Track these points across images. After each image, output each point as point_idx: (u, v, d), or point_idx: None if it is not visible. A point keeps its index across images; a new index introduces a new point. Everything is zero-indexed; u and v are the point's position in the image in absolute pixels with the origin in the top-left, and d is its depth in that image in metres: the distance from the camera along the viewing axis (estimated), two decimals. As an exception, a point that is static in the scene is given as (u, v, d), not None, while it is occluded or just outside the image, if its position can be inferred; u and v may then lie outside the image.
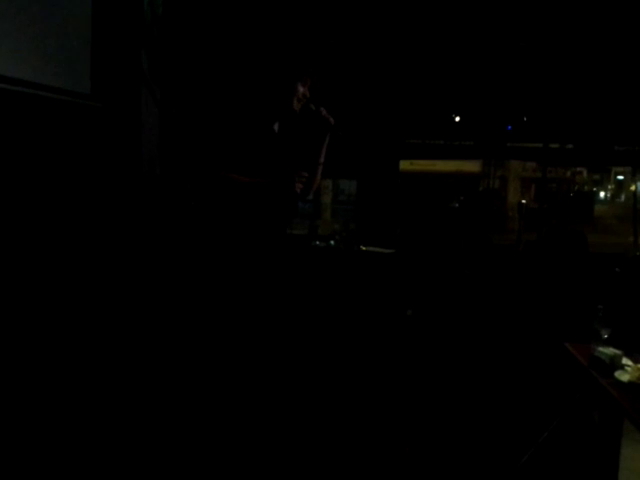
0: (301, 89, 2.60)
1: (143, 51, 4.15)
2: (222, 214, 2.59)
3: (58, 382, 3.21)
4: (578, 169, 21.42)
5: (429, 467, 2.95)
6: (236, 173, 2.49)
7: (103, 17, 3.84)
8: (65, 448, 2.77)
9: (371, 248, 5.58)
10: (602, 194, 24.64)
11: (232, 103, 3.25)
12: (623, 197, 24.06)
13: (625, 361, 2.49)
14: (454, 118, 7.18)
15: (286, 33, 5.08)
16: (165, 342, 3.71)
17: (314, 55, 2.82)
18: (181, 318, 3.75)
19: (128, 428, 3.00)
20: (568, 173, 21.30)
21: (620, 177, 24.20)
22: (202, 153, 2.67)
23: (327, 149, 2.71)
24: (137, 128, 4.10)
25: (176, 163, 4.61)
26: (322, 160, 2.71)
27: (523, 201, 10.46)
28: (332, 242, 5.71)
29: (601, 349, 2.53)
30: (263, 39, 4.93)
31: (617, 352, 2.50)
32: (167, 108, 4.49)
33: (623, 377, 2.37)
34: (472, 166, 16.31)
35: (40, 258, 3.33)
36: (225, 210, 2.58)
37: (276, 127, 2.67)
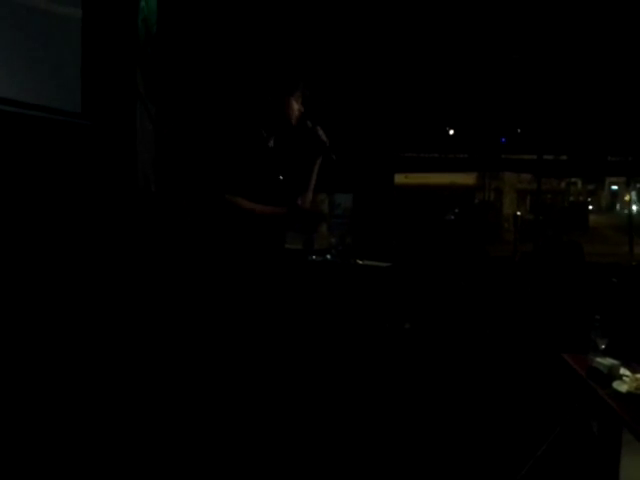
0: (295, 105, 2.63)
1: (138, 69, 4.17)
2: (219, 231, 2.60)
3: (48, 386, 3.19)
4: (573, 180, 21.53)
5: (429, 481, 2.94)
6: (239, 196, 2.49)
7: (94, 36, 3.84)
8: (62, 447, 2.76)
9: (368, 262, 5.58)
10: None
11: (227, 119, 3.27)
12: (618, 207, 24.17)
13: (623, 371, 2.49)
14: (448, 131, 7.23)
15: (277, 49, 5.12)
16: (160, 356, 3.69)
17: (303, 70, 2.85)
18: (177, 332, 3.74)
19: (122, 428, 2.99)
20: (563, 184, 21.40)
21: (614, 187, 24.31)
22: (200, 171, 2.68)
23: (320, 167, 2.72)
24: (132, 146, 4.10)
25: (172, 180, 4.62)
26: (313, 182, 2.72)
27: (518, 213, 10.50)
28: (329, 256, 5.70)
29: (599, 360, 2.53)
30: (256, 56, 4.96)
31: (615, 362, 2.51)
32: (162, 125, 4.51)
33: (621, 387, 2.37)
34: (467, 178, 16.34)
35: (31, 279, 3.31)
36: (222, 227, 2.58)
37: (271, 143, 2.68)
